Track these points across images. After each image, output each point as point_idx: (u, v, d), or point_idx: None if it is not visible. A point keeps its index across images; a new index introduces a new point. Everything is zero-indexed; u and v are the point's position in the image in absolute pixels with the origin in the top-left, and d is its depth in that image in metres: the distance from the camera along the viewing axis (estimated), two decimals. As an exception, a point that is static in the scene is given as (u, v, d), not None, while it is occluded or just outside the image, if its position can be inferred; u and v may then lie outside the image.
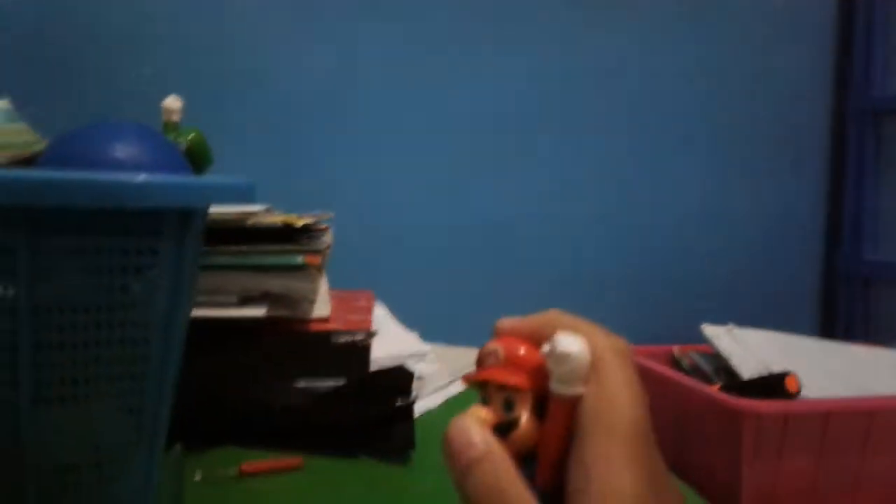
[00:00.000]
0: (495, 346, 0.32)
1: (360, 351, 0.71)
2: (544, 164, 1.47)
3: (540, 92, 1.44)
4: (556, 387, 0.30)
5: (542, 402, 0.31)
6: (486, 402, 0.32)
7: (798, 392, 0.65)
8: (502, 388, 0.31)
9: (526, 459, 0.31)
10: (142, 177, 0.37)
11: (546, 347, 0.30)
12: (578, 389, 0.30)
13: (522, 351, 0.32)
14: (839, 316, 1.53)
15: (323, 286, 0.80)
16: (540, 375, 0.31)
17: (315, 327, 0.73)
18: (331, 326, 0.73)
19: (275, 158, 1.26)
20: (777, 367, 0.72)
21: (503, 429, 0.31)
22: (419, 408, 0.69)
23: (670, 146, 1.51)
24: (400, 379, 0.65)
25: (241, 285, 0.69)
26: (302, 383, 0.67)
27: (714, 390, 0.62)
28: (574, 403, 0.30)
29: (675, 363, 0.84)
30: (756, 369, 0.75)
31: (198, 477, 0.57)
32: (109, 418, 0.42)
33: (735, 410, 0.54)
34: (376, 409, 0.64)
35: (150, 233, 0.40)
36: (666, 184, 1.52)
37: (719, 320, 0.93)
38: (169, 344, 0.42)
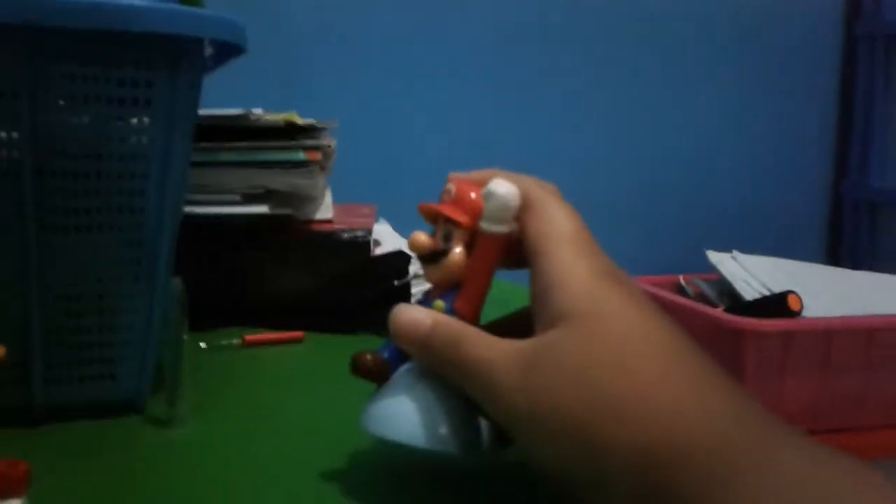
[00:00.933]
0: (451, 185, 0.36)
1: (361, 246, 0.72)
2: (554, 92, 1.47)
3: (553, 12, 1.44)
4: (484, 224, 0.33)
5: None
6: (433, 233, 0.35)
7: (800, 310, 0.65)
8: (447, 221, 0.35)
9: (450, 290, 0.34)
10: (138, 1, 0.39)
11: (482, 190, 0.33)
12: (503, 229, 0.33)
13: (472, 195, 0.34)
14: (845, 243, 1.51)
15: (326, 194, 0.81)
16: (477, 215, 0.34)
17: (318, 227, 0.74)
18: (333, 226, 0.74)
19: (276, 89, 1.27)
20: (780, 290, 0.73)
21: (436, 255, 0.34)
22: (415, 291, 0.70)
23: (681, 74, 1.51)
24: (397, 261, 0.66)
25: (245, 182, 0.70)
26: (303, 272, 0.69)
27: (717, 311, 0.62)
28: (498, 243, 0.33)
29: (681, 291, 0.85)
30: (759, 292, 0.76)
31: (203, 345, 0.59)
32: (111, 250, 0.43)
33: (737, 329, 0.54)
34: (375, 290, 0.65)
35: (144, 64, 0.41)
36: (675, 112, 1.52)
37: (727, 249, 0.94)
38: (166, 182, 0.44)
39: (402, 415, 0.33)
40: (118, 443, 0.42)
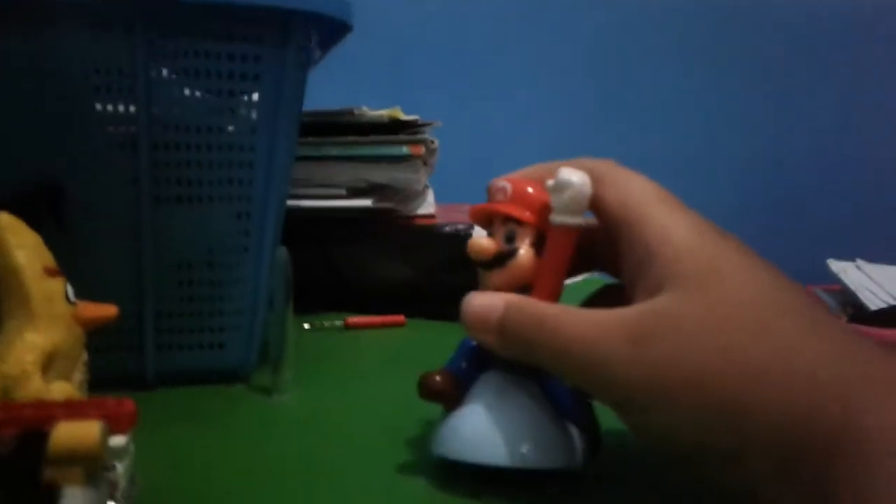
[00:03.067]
0: (504, 182, 0.32)
1: (464, 239, 0.71)
2: (657, 91, 1.43)
3: (657, 12, 1.41)
4: (556, 217, 0.30)
5: (543, 241, 0.31)
6: (490, 235, 0.33)
7: None
8: (507, 221, 0.32)
9: (520, 292, 0.31)
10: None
11: (549, 181, 0.30)
12: (577, 219, 0.30)
13: (530, 189, 0.32)
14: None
15: (429, 192, 0.81)
16: (544, 214, 0.31)
17: (420, 221, 0.74)
18: (435, 221, 0.74)
19: (378, 90, 1.29)
20: None
21: (502, 258, 0.32)
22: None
23: (797, 79, 1.44)
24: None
25: (349, 176, 0.71)
26: (405, 263, 0.69)
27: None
28: (573, 235, 0.30)
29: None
30: (885, 302, 0.71)
31: (306, 326, 0.59)
32: (221, 221, 0.45)
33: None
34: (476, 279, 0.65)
35: (253, 39, 0.43)
36: (791, 116, 1.45)
37: (848, 258, 0.88)
38: (274, 155, 0.45)
39: (485, 436, 0.31)
40: (224, 408, 0.43)
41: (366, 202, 0.71)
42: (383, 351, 0.57)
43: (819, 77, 1.41)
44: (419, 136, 0.72)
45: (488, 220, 0.33)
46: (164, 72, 0.42)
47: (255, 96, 0.44)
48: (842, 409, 0.24)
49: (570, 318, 0.28)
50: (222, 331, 0.46)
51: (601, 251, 0.33)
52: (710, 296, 0.27)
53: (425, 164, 0.75)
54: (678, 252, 0.28)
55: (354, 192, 0.72)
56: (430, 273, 0.68)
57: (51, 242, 0.36)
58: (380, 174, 0.72)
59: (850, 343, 0.26)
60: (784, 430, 0.24)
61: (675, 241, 0.28)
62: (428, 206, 0.78)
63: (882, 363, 0.25)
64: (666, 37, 1.44)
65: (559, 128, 1.41)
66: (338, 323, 0.60)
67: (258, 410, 0.43)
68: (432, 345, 0.57)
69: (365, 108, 0.74)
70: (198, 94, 0.43)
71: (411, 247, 0.70)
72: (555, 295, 0.31)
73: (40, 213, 0.41)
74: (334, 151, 0.71)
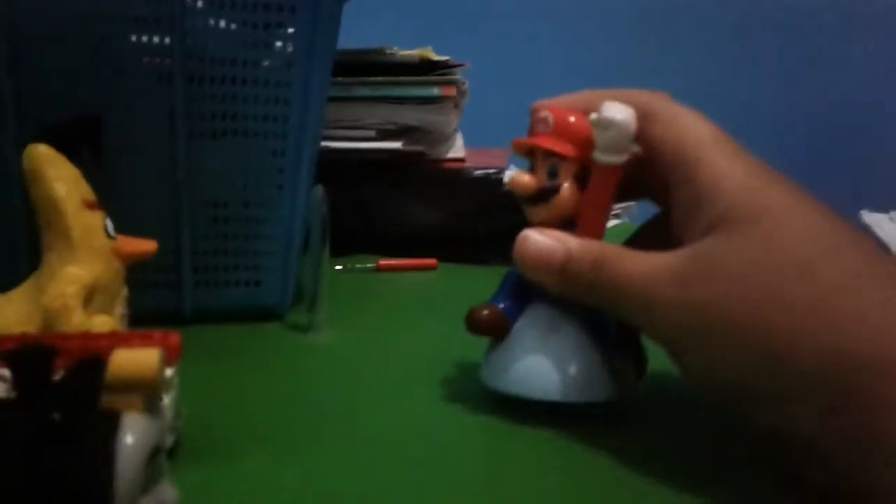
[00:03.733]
0: (546, 113, 0.32)
1: (494, 183, 0.71)
2: (696, 30, 1.40)
3: None
4: (599, 155, 0.29)
5: (586, 174, 0.31)
6: (532, 169, 0.32)
7: None
8: (549, 155, 0.31)
9: (563, 227, 0.31)
10: None
11: (593, 116, 0.29)
12: (621, 158, 0.29)
13: (572, 120, 0.31)
14: None
15: (458, 136, 0.80)
16: (587, 146, 0.30)
17: (450, 165, 0.73)
18: (465, 165, 0.73)
19: (408, 29, 1.27)
20: None
21: (545, 194, 0.31)
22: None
23: (833, 28, 1.40)
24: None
25: (379, 117, 0.70)
26: (436, 207, 0.68)
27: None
28: (617, 173, 0.30)
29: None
30: None
31: (338, 267, 0.59)
32: (256, 158, 0.44)
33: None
34: (507, 222, 0.64)
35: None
36: (828, 69, 1.41)
37: (884, 209, 0.86)
38: (309, 92, 0.44)
39: (539, 371, 0.31)
40: (260, 344, 0.43)
41: (395, 144, 0.70)
42: (415, 293, 0.57)
43: (855, 33, 1.37)
44: (451, 77, 0.70)
45: (530, 153, 0.32)
46: (200, 2, 0.41)
47: (291, 29, 0.43)
48: (892, 353, 0.23)
49: (629, 256, 0.29)
50: (258, 269, 0.46)
51: (650, 181, 0.32)
52: (757, 237, 0.26)
53: (456, 106, 0.73)
54: (730, 195, 0.27)
55: (384, 135, 0.71)
56: (460, 217, 0.67)
57: (88, 176, 0.36)
58: (410, 116, 0.71)
59: None
60: (829, 375, 0.24)
61: (727, 184, 0.27)
62: (458, 149, 0.77)
63: None
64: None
65: (589, 71, 1.39)
66: (369, 265, 0.60)
67: (294, 348, 0.43)
68: (463, 288, 0.57)
69: (395, 48, 0.72)
70: (233, 26, 0.42)
71: (441, 190, 0.70)
72: (599, 232, 0.31)
73: (78, 145, 0.40)
74: (364, 92, 0.70)
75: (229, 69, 0.42)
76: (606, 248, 0.29)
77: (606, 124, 0.29)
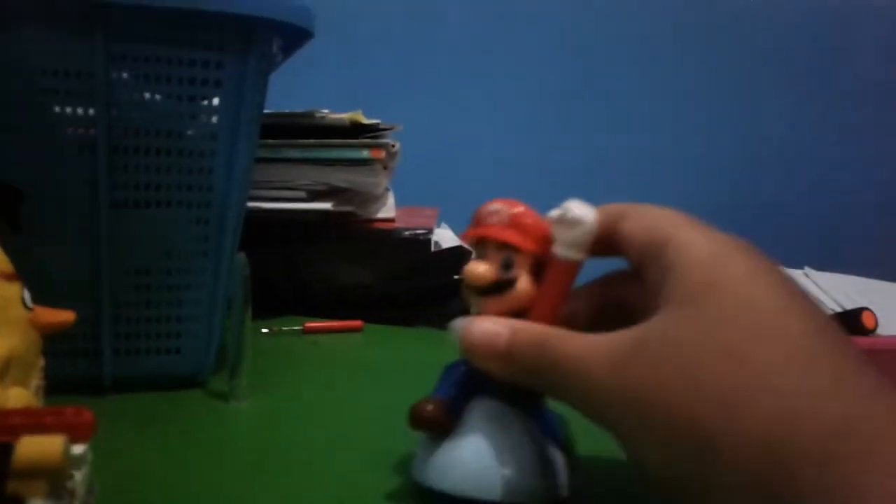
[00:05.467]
0: (498, 205, 0.31)
1: (422, 245, 0.72)
2: (618, 96, 1.46)
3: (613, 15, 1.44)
4: (561, 251, 0.29)
5: (540, 268, 0.30)
6: (481, 259, 0.31)
7: (875, 328, 0.62)
8: (503, 247, 0.31)
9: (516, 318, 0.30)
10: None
11: (554, 212, 0.30)
12: (581, 256, 0.30)
13: (523, 212, 0.31)
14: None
15: (389, 196, 0.82)
16: (544, 242, 0.30)
17: (380, 225, 0.75)
18: (394, 225, 0.75)
19: (338, 93, 1.29)
20: (854, 307, 0.70)
21: (500, 286, 0.30)
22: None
23: (760, 81, 1.48)
24: (458, 256, 0.66)
25: (309, 178, 0.71)
26: (364, 267, 0.69)
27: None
28: (574, 269, 0.30)
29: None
30: (831, 310, 0.73)
31: (265, 330, 0.60)
32: (179, 226, 0.45)
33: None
34: (434, 284, 0.65)
35: (216, 45, 0.43)
36: (751, 119, 1.49)
37: (797, 265, 0.91)
38: (234, 162, 0.45)
39: (485, 469, 0.30)
40: (181, 413, 0.43)
41: (325, 205, 0.71)
42: (341, 358, 0.57)
43: (769, 84, 1.45)
44: (380, 140, 0.72)
45: (479, 243, 0.32)
46: (125, 75, 0.42)
47: (217, 102, 0.44)
48: (821, 452, 0.21)
49: (571, 338, 0.27)
50: (179, 336, 0.46)
51: (622, 295, 0.32)
52: (701, 315, 0.24)
53: (385, 167, 0.75)
54: (689, 265, 0.26)
55: (314, 195, 0.72)
56: (388, 277, 0.69)
57: (5, 245, 0.35)
58: (340, 177, 0.72)
59: (849, 374, 0.23)
60: (760, 470, 0.22)
61: (691, 254, 0.26)
62: (388, 209, 0.78)
63: (879, 403, 0.22)
64: (626, 43, 1.46)
65: (519, 136, 1.43)
66: (296, 328, 0.61)
67: (215, 416, 0.43)
68: (389, 350, 0.58)
69: (326, 111, 0.74)
70: (158, 98, 0.43)
71: (370, 251, 0.71)
72: (553, 323, 0.30)
73: (-5, 216, 0.40)
74: (294, 154, 0.71)
75: (154, 140, 0.43)
76: (550, 331, 0.28)
77: (574, 222, 0.29)
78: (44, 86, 0.40)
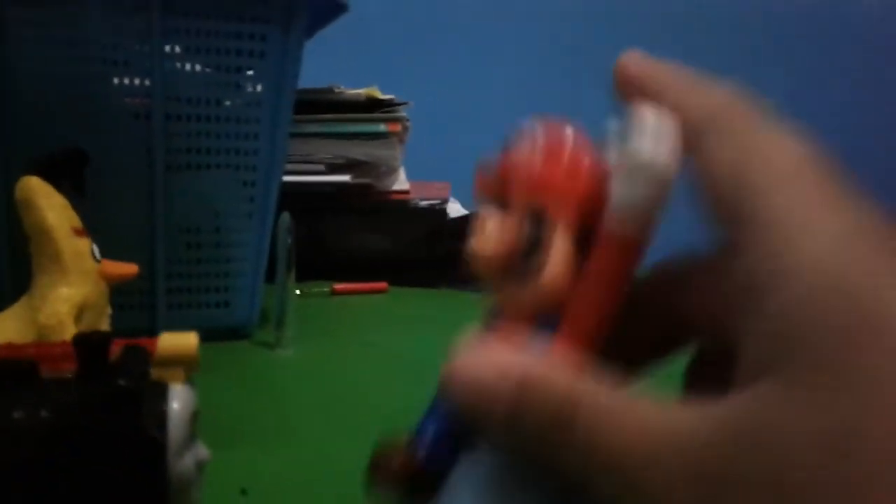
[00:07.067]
0: (536, 125, 0.19)
1: (439, 213, 0.76)
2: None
3: None
4: (618, 213, 0.16)
5: (587, 240, 0.17)
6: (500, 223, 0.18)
7: None
8: (532, 195, 0.18)
9: (542, 321, 0.18)
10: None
11: (612, 130, 0.17)
12: (648, 225, 0.17)
13: (570, 139, 0.18)
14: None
15: (401, 169, 0.86)
16: (597, 197, 0.17)
17: (396, 196, 0.79)
18: (410, 196, 0.79)
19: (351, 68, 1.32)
20: None
21: (521, 261, 0.18)
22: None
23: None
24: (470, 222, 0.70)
25: (329, 152, 0.75)
26: (384, 235, 0.73)
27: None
28: (635, 249, 0.17)
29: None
30: None
31: (297, 292, 0.63)
32: (227, 188, 0.48)
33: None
34: (454, 247, 0.69)
35: (260, 19, 0.46)
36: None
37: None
38: (276, 127, 0.48)
39: None
40: (235, 360, 0.47)
41: (345, 178, 0.75)
42: (370, 314, 0.61)
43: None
44: (396, 115, 0.76)
45: (500, 194, 0.18)
46: (177, 48, 0.45)
47: (260, 72, 0.48)
48: None
49: (625, 410, 0.16)
50: (227, 290, 0.49)
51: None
52: (840, 406, 0.13)
53: (401, 141, 0.79)
54: (805, 294, 0.14)
55: (333, 168, 0.75)
56: (408, 243, 0.72)
57: (72, 206, 0.39)
58: (358, 151, 0.76)
59: None
60: None
61: (806, 267, 0.14)
62: (402, 182, 0.82)
63: None
64: (641, 15, 1.50)
65: (529, 110, 1.46)
66: (325, 289, 0.64)
67: (266, 363, 0.47)
68: (413, 310, 0.62)
69: (342, 87, 0.78)
70: (207, 70, 0.47)
71: (390, 220, 0.75)
72: (594, 339, 0.18)
73: (62, 178, 0.44)
74: (314, 128, 0.74)
75: (203, 108, 0.46)
76: (587, 391, 0.16)
77: (637, 164, 0.16)
78: (105, 58, 0.44)
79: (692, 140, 0.17)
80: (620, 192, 0.16)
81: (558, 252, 0.17)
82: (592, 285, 0.17)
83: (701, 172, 0.17)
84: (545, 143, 0.18)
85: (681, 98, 0.17)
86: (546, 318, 0.18)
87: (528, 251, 0.18)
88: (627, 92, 0.18)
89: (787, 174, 0.16)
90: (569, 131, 0.18)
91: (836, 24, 1.54)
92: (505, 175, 0.18)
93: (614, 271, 0.17)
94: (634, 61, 0.19)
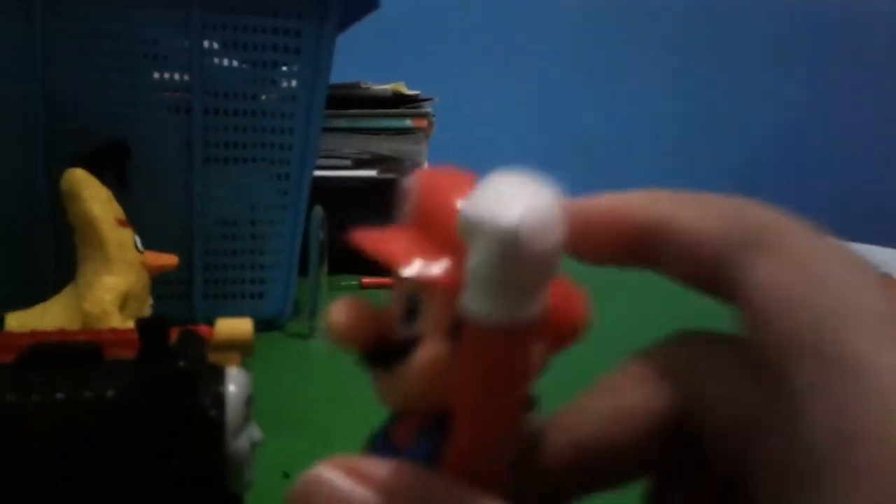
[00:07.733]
0: (417, 179, 0.15)
1: (463, 208, 0.76)
2: (649, 72, 1.49)
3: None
4: (470, 301, 0.12)
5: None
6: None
7: None
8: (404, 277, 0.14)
9: (427, 424, 0.15)
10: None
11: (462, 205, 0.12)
12: (519, 310, 0.12)
13: (448, 193, 0.14)
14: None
15: (426, 164, 0.86)
16: None
17: (421, 191, 0.79)
18: (436, 190, 0.79)
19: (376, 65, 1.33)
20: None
21: (386, 355, 0.15)
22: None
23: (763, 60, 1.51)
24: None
25: (355, 147, 0.76)
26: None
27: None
28: (504, 343, 0.12)
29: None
30: None
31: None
32: (262, 181, 0.49)
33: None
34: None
35: (294, 15, 0.47)
36: (757, 98, 1.52)
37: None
38: (309, 123, 0.49)
39: None
40: (271, 350, 0.48)
41: (370, 173, 0.76)
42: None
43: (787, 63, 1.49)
44: (422, 110, 0.77)
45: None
46: (216, 44, 0.46)
47: (295, 67, 0.48)
48: None
49: None
50: (262, 282, 0.50)
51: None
52: None
53: (426, 137, 0.80)
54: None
55: (359, 164, 0.76)
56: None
57: (116, 198, 0.40)
58: (384, 146, 0.77)
59: None
60: None
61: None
62: (427, 177, 0.83)
63: None
64: (661, 13, 1.50)
65: (550, 106, 1.47)
66: (353, 283, 0.65)
67: (301, 352, 0.48)
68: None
69: (369, 83, 0.78)
70: (244, 65, 0.48)
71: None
72: (485, 444, 0.14)
73: (105, 170, 0.45)
74: (342, 123, 0.75)
75: (240, 103, 0.47)
76: None
77: (473, 226, 0.11)
78: (145, 53, 0.45)
79: (725, 256, 0.13)
80: (469, 258, 0.12)
81: (427, 347, 0.14)
82: (470, 377, 0.13)
83: (745, 294, 0.13)
84: (419, 210, 0.15)
85: (703, 216, 0.14)
86: (431, 426, 0.14)
87: (401, 346, 0.14)
88: (622, 249, 0.15)
89: (866, 318, 0.12)
90: (449, 191, 0.14)
91: (844, 24, 1.53)
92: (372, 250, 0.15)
93: (484, 362, 0.13)
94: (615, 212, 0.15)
